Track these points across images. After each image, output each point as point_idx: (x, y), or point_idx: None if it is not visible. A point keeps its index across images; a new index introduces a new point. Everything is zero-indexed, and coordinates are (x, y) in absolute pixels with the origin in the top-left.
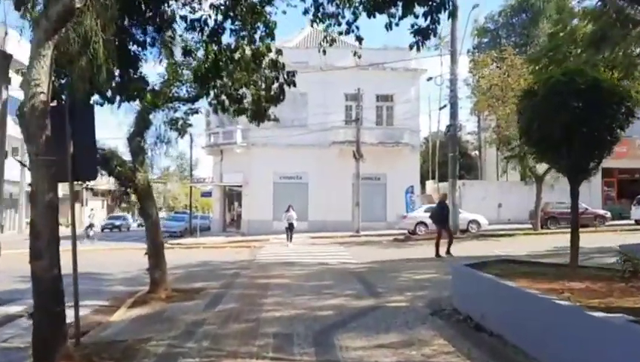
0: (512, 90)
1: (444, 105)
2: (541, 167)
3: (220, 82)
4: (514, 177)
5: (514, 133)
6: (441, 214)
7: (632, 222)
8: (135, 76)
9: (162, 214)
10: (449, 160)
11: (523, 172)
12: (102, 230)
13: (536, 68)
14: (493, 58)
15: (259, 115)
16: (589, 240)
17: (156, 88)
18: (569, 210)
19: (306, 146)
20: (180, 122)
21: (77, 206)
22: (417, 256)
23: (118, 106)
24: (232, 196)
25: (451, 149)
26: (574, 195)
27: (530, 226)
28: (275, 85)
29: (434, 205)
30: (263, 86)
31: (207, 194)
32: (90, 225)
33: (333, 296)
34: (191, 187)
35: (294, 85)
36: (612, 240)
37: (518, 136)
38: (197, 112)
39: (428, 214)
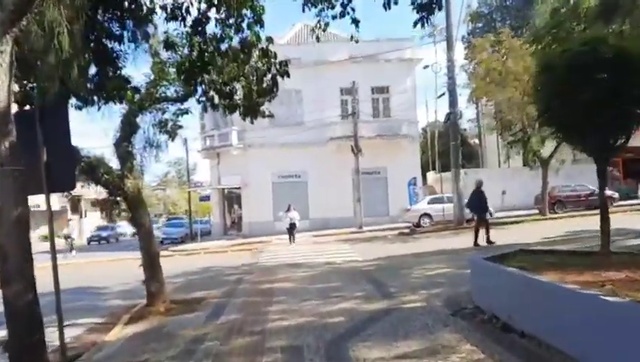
0: (512, 73)
1: (443, 93)
2: (546, 151)
3: (208, 77)
4: (516, 163)
5: (516, 118)
6: (479, 201)
7: None
8: (114, 75)
9: (163, 220)
10: (451, 149)
11: (526, 157)
12: (88, 243)
13: (539, 47)
14: (491, 42)
15: (252, 111)
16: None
17: (140, 87)
18: (576, 193)
19: (304, 144)
20: (170, 124)
21: (76, 217)
22: (426, 249)
23: (99, 108)
24: (232, 199)
25: (452, 138)
26: (602, 176)
27: (536, 212)
28: (268, 77)
29: (436, 195)
30: (255, 79)
31: (206, 198)
32: (67, 237)
33: (343, 299)
34: (189, 192)
35: (288, 76)
36: (626, 222)
37: (520, 120)
38: (187, 113)
39: (432, 206)
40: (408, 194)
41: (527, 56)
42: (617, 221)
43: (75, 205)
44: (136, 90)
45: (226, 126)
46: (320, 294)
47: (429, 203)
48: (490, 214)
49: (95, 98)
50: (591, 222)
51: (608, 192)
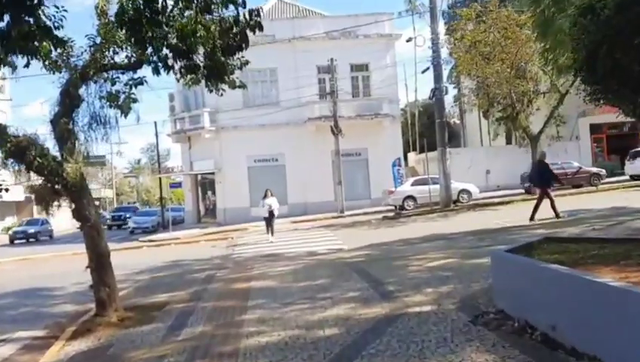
0: (499, 45)
1: (427, 68)
2: (535, 127)
3: (159, 30)
4: (498, 142)
5: (505, 92)
6: (541, 173)
7: (627, 178)
8: (30, 21)
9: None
10: (436, 127)
11: (515, 133)
12: (11, 241)
13: (537, 10)
14: (477, 11)
15: (216, 74)
16: (596, 201)
17: (67, 40)
18: (563, 171)
19: (280, 125)
20: (122, 97)
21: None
22: (416, 234)
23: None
24: (206, 185)
25: (438, 115)
26: None
27: (522, 191)
28: (236, 30)
29: (420, 177)
30: (218, 32)
31: (177, 185)
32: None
33: (333, 303)
34: (160, 178)
35: (260, 29)
36: (623, 199)
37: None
38: (141, 83)
39: (415, 188)
40: (393, 175)
41: (516, 26)
42: (614, 199)
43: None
44: (58, 41)
45: (197, 108)
46: (305, 295)
47: (412, 185)
48: (557, 182)
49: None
50: (583, 200)
51: (595, 169)
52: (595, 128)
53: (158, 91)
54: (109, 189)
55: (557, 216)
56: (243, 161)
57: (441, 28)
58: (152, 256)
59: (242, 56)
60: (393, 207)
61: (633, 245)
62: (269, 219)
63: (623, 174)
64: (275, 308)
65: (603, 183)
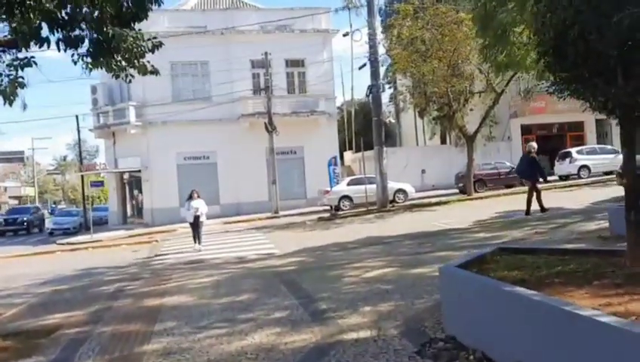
0: (437, 42)
1: (364, 64)
2: (470, 127)
3: None
4: (434, 142)
5: (442, 91)
6: (531, 167)
7: (557, 178)
8: None
9: (63, 206)
10: (373, 125)
11: (451, 133)
12: None
13: (478, 4)
14: (415, 7)
15: (103, 51)
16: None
17: None
18: (497, 171)
19: (212, 121)
20: (5, 81)
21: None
22: (352, 237)
23: None
24: (133, 183)
25: (374, 113)
26: (630, 144)
27: (457, 191)
28: None
29: (356, 176)
30: None
31: (98, 183)
32: None
33: (256, 327)
34: (82, 176)
35: None
36: (558, 200)
37: (445, 94)
38: (29, 65)
39: (352, 187)
40: (329, 174)
41: (453, 24)
42: (548, 200)
43: None
44: None
45: (123, 101)
46: (224, 316)
47: (348, 184)
48: (544, 180)
49: None
50: (518, 202)
51: None
52: (525, 129)
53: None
54: (30, 187)
55: (544, 208)
56: (172, 159)
57: (379, 25)
58: (64, 263)
59: (154, 37)
60: (329, 207)
61: (599, 258)
62: (196, 225)
63: (552, 174)
64: (186, 334)
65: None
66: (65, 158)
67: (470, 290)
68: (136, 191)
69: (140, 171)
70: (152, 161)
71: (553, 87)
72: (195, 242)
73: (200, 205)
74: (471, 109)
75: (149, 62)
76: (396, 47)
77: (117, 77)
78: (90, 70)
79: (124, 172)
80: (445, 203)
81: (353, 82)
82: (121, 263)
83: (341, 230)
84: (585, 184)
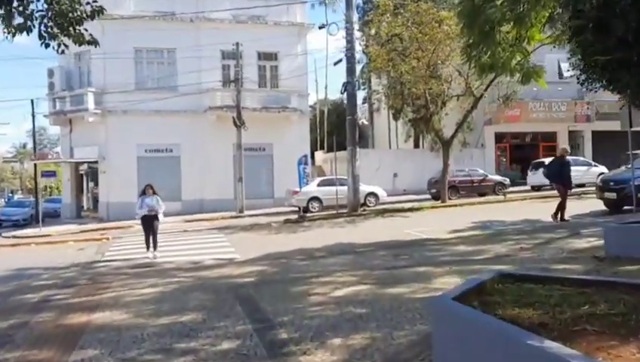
0: (416, 41)
1: (339, 60)
2: (447, 131)
3: None
4: (409, 145)
5: (420, 91)
6: (563, 171)
7: (529, 188)
8: None
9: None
10: (347, 124)
11: (416, 136)
12: None
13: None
14: (395, 3)
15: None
16: (506, 212)
17: None
18: (470, 178)
19: (177, 113)
20: None
21: None
22: (320, 243)
23: None
24: (89, 175)
25: (349, 111)
26: None
27: (429, 197)
28: None
29: (327, 177)
30: None
31: (50, 174)
32: None
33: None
34: (35, 165)
35: None
36: (531, 212)
37: (423, 95)
38: None
39: (322, 188)
40: (298, 174)
41: (434, 22)
42: (524, 211)
43: None
44: None
45: (82, 86)
46: (159, 344)
47: (318, 185)
48: (569, 188)
49: None
50: (493, 211)
51: (499, 178)
52: (499, 137)
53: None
54: None
55: (562, 219)
56: (132, 150)
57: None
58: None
59: (94, 0)
60: (297, 209)
61: (631, 294)
62: (150, 226)
63: (524, 184)
64: None
65: (507, 193)
66: (25, 146)
67: (472, 333)
68: (92, 184)
69: (96, 162)
70: (110, 151)
71: (584, 75)
72: (149, 249)
73: (154, 202)
74: (446, 113)
75: (86, 30)
76: (373, 45)
77: (47, 46)
78: (13, 35)
79: (80, 162)
80: (418, 209)
81: (327, 81)
82: (60, 264)
83: (309, 234)
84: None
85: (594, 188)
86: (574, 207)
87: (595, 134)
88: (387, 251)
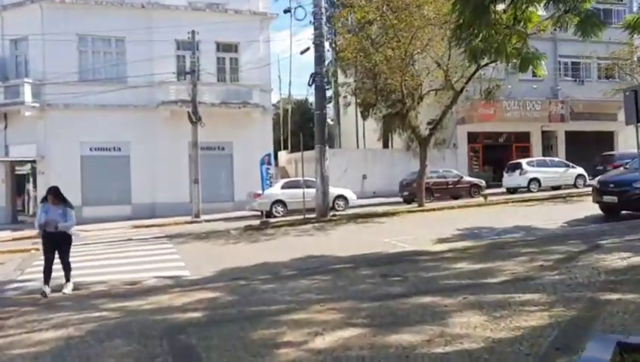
0: (392, 28)
1: (307, 49)
2: (425, 129)
3: None
4: (372, 144)
5: (396, 84)
6: None
7: (504, 190)
8: None
9: None
10: (315, 119)
11: (385, 135)
12: None
13: None
14: None
15: None
16: (491, 216)
17: None
18: (444, 180)
19: (126, 107)
20: None
21: None
22: (287, 256)
23: None
24: (27, 176)
25: (317, 106)
26: None
27: (400, 200)
28: None
29: (292, 179)
30: None
31: None
32: None
33: None
34: None
35: None
36: (518, 216)
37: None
38: None
39: (286, 191)
40: (261, 175)
41: (413, 6)
42: (509, 215)
43: None
44: None
45: (19, 77)
46: None
47: (283, 187)
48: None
49: None
50: (475, 216)
51: (475, 180)
52: (472, 137)
53: None
54: None
55: None
56: (75, 149)
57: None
58: None
59: None
60: (259, 213)
61: None
62: (53, 249)
63: (497, 186)
64: None
65: (482, 195)
66: None
67: None
68: (29, 186)
69: (34, 161)
70: (50, 150)
71: None
72: (48, 283)
73: (60, 216)
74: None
75: None
76: (343, 33)
77: None
78: None
79: (16, 161)
80: (393, 214)
81: (291, 77)
82: None
83: (273, 244)
84: (544, 199)
85: (574, 191)
86: (566, 212)
87: (569, 134)
88: (372, 269)
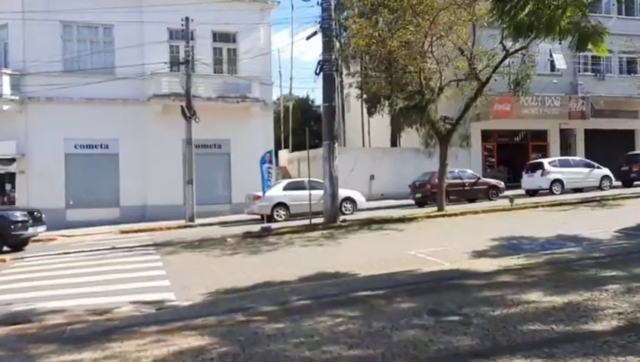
0: (412, 7)
1: (314, 33)
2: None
3: None
4: (377, 142)
5: (414, 73)
6: None
7: (521, 192)
8: None
9: None
10: (322, 113)
11: (393, 132)
12: None
13: None
14: None
15: None
16: (525, 223)
17: None
18: (460, 181)
19: (114, 101)
20: None
21: None
22: (294, 273)
23: None
24: (5, 175)
25: (326, 97)
26: None
27: (412, 203)
28: None
29: (295, 179)
30: None
31: None
32: None
33: None
34: None
35: None
36: (556, 223)
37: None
38: None
39: (289, 193)
40: (261, 175)
41: None
42: (547, 222)
43: None
44: None
45: None
46: None
47: (285, 189)
48: None
49: None
50: (505, 221)
51: (493, 181)
52: (486, 135)
53: None
54: None
55: None
56: (59, 146)
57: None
58: None
59: None
60: (259, 217)
61: None
62: None
63: (512, 187)
64: None
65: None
66: None
67: None
68: (8, 186)
69: (13, 160)
70: (31, 147)
71: None
72: None
73: None
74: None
75: None
76: (355, 16)
77: None
78: None
79: None
80: (411, 219)
81: (292, 72)
82: None
83: (276, 256)
84: (577, 202)
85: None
86: (611, 218)
87: (589, 133)
88: (412, 300)
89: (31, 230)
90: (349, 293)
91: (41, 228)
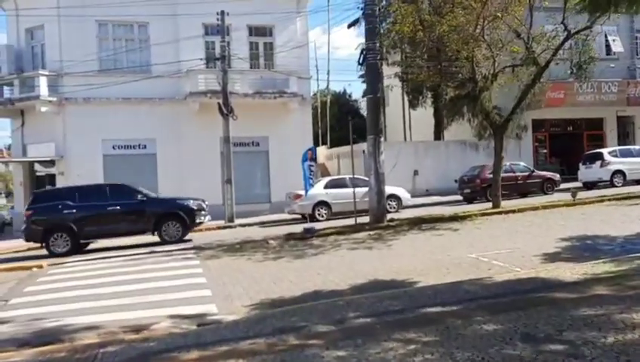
0: None
1: (356, 20)
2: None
3: None
4: (419, 136)
5: (468, 58)
6: None
7: (578, 185)
8: None
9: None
10: (367, 105)
11: (437, 125)
12: None
13: None
14: None
15: None
16: (599, 221)
17: None
18: (513, 175)
19: (151, 100)
20: None
21: None
22: (345, 282)
23: None
24: (46, 177)
25: (370, 88)
26: None
27: (460, 199)
28: None
29: (335, 177)
30: None
31: None
32: None
33: None
34: None
35: None
36: (633, 219)
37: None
38: None
39: (330, 191)
40: (303, 172)
41: None
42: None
43: None
44: None
45: (34, 68)
46: None
47: (326, 187)
48: None
49: None
50: (569, 218)
51: (548, 174)
52: (537, 125)
53: None
54: None
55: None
56: (97, 147)
57: None
58: None
59: None
60: (300, 217)
61: None
62: None
63: (568, 180)
64: None
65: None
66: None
67: None
68: (49, 188)
69: (53, 162)
70: (69, 149)
71: None
72: None
73: None
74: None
75: None
76: (398, 0)
77: None
78: None
79: (35, 161)
80: (464, 217)
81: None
82: None
83: (323, 261)
84: None
85: None
86: None
87: None
88: (497, 320)
89: (203, 218)
90: (416, 309)
91: (208, 217)
